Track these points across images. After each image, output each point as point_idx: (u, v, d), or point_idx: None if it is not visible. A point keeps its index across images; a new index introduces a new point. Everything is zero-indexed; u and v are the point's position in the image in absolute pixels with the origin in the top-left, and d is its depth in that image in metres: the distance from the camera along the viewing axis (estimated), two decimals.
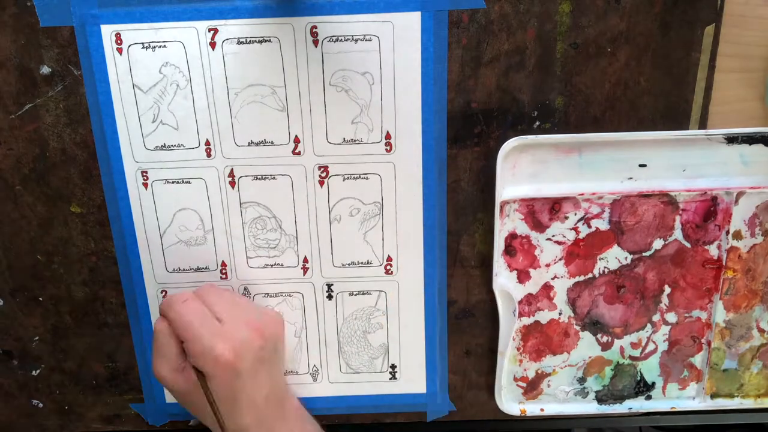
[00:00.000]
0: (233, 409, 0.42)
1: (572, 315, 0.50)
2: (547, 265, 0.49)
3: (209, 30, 0.43)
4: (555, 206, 0.47)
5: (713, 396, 0.52)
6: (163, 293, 0.49)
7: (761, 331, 0.51)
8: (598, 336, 0.51)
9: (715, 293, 0.49)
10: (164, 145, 0.45)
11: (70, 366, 0.52)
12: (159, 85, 0.44)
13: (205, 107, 0.45)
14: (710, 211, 0.47)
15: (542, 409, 0.52)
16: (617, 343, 0.51)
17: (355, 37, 0.43)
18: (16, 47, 0.43)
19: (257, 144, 0.45)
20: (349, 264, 0.49)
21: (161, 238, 0.48)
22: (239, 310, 0.44)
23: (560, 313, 0.50)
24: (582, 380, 0.52)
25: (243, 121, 0.45)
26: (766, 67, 0.45)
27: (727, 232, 0.48)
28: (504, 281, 0.49)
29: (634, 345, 0.51)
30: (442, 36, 0.43)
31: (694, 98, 0.45)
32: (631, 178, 0.46)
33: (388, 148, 0.46)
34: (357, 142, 0.45)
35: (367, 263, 0.49)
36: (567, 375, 0.52)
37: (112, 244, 0.48)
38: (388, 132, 0.45)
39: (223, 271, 0.49)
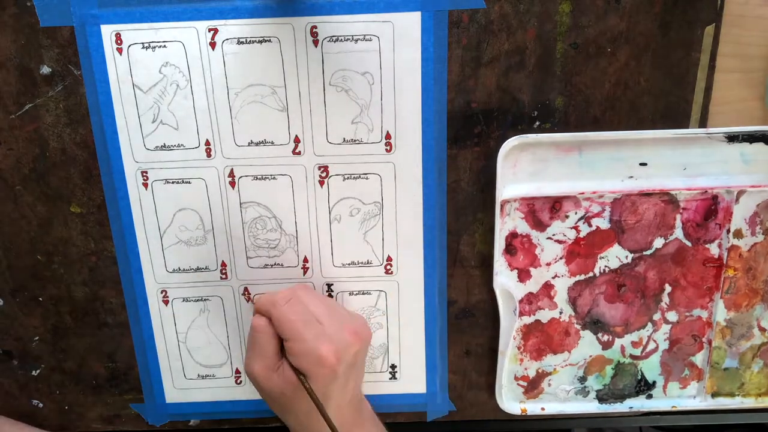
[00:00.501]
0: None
1: (573, 314, 0.50)
2: (548, 264, 0.49)
3: (209, 30, 0.43)
4: (555, 205, 0.47)
5: (714, 395, 0.52)
6: (163, 293, 0.49)
7: (762, 329, 0.51)
8: (599, 335, 0.51)
9: (716, 292, 0.49)
10: (164, 145, 0.45)
11: (70, 366, 0.51)
12: (159, 85, 0.44)
13: (205, 107, 0.45)
14: (711, 209, 0.47)
15: (543, 408, 0.52)
16: (618, 342, 0.51)
17: (355, 37, 0.43)
18: (16, 47, 0.43)
19: (257, 144, 0.45)
20: (349, 264, 0.49)
21: (161, 238, 0.48)
22: (336, 313, 0.44)
23: (561, 312, 0.50)
24: (583, 379, 0.52)
25: (243, 121, 0.45)
26: (766, 67, 0.45)
27: (728, 231, 0.48)
28: (505, 280, 0.49)
29: (634, 344, 0.51)
30: (442, 36, 0.43)
31: (694, 98, 0.45)
32: (631, 176, 0.46)
33: (388, 148, 0.45)
34: (357, 142, 0.45)
35: (367, 263, 0.48)
36: (568, 374, 0.52)
37: (112, 244, 0.48)
38: (388, 132, 0.45)
39: (223, 271, 0.49)
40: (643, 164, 0.46)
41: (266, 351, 0.42)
